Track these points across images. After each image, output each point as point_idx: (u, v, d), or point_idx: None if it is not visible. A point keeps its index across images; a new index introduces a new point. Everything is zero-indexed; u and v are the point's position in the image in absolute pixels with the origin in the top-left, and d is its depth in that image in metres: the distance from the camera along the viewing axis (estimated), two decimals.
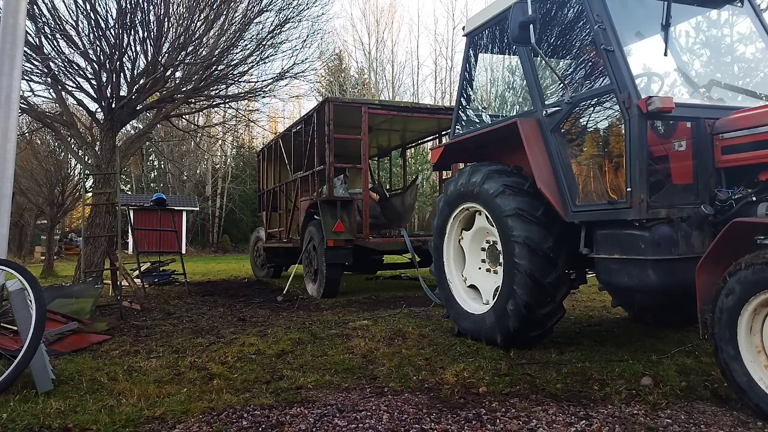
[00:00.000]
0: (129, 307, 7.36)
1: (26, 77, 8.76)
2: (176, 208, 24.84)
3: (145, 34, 8.93)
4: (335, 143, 8.48)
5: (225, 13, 9.73)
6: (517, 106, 5.67)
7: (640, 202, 3.53)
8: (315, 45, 21.90)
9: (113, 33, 8.61)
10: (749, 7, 4.38)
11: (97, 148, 9.79)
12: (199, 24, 9.39)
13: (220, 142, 32.94)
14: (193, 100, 11.26)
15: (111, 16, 8.76)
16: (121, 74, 9.07)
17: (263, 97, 11.75)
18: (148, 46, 9.02)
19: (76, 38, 8.70)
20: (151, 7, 8.84)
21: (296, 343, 5.02)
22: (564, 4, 4.41)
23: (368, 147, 8.93)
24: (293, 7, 10.51)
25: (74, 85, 9.28)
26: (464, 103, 5.53)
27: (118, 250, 8.30)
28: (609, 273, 3.91)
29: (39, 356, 3.58)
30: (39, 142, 19.88)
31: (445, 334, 5.25)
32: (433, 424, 2.94)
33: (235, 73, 10.69)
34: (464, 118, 5.50)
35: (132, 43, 8.91)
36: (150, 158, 36.83)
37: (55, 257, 19.64)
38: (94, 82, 9.06)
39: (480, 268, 5.03)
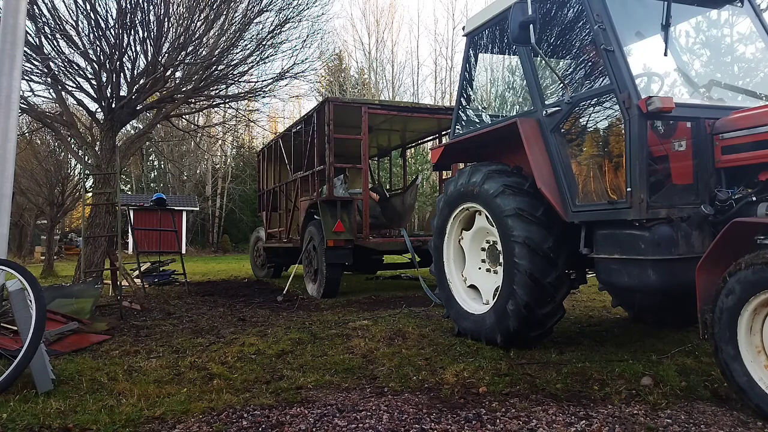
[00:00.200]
0: (129, 307, 7.36)
1: (26, 77, 8.77)
2: (176, 208, 24.84)
3: (145, 34, 8.93)
4: (335, 143, 8.48)
5: (225, 13, 9.73)
6: (517, 106, 5.67)
7: (640, 202, 3.53)
8: (315, 45, 21.92)
9: (113, 33, 8.61)
10: (749, 7, 4.38)
11: (97, 148, 9.79)
12: (199, 24, 9.39)
13: (220, 142, 32.95)
14: (193, 100, 11.27)
15: (111, 16, 8.77)
16: (121, 74, 9.07)
17: (263, 97, 11.77)
18: (148, 46, 9.02)
19: (76, 38, 8.71)
20: (151, 7, 8.84)
21: (296, 343, 5.02)
22: (564, 4, 4.41)
23: (368, 147, 8.93)
24: (293, 7, 10.53)
25: (74, 85, 9.29)
26: (464, 103, 5.53)
27: (118, 250, 8.30)
28: (609, 273, 3.91)
29: (39, 356, 3.58)
30: (39, 142, 19.89)
31: (445, 334, 5.25)
32: (433, 424, 2.94)
33: (235, 73, 10.69)
34: (464, 118, 5.50)
35: (132, 43, 8.92)
36: (150, 158, 36.83)
37: (55, 257, 19.64)
38: (94, 82, 9.06)
39: (480, 268, 5.03)
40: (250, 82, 11.56)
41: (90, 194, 11.06)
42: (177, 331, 5.85)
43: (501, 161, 4.85)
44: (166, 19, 8.94)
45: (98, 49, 8.72)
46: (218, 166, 36.75)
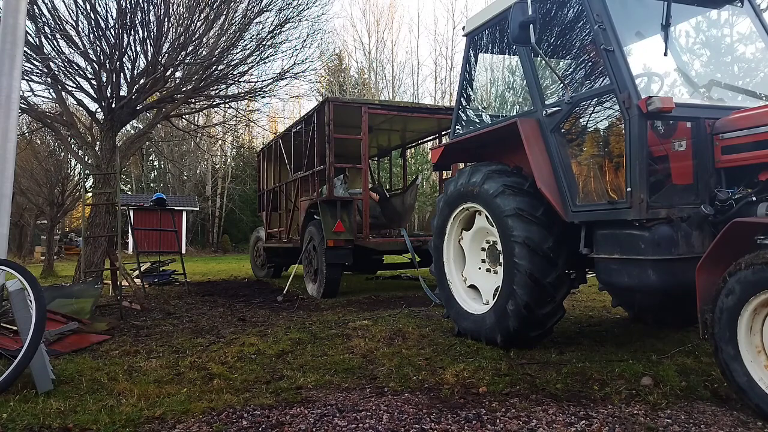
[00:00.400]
0: (129, 307, 7.36)
1: (26, 77, 8.77)
2: (176, 208, 24.83)
3: (145, 34, 8.93)
4: (335, 143, 8.48)
5: (225, 13, 9.73)
6: (517, 106, 5.67)
7: (640, 202, 3.53)
8: (315, 45, 21.92)
9: (113, 33, 8.61)
10: (749, 7, 4.38)
11: (97, 148, 9.79)
12: (199, 24, 9.39)
13: (220, 142, 32.95)
14: (193, 100, 11.27)
15: (111, 16, 8.77)
16: (121, 74, 9.07)
17: (263, 97, 11.77)
18: (148, 46, 9.02)
19: (76, 38, 8.71)
20: (151, 7, 8.84)
21: (296, 343, 5.02)
22: (564, 4, 4.41)
23: (368, 147, 8.93)
24: (293, 7, 10.53)
25: (74, 85, 9.29)
26: (464, 103, 5.53)
27: (118, 250, 8.30)
28: (609, 273, 3.91)
29: (39, 356, 3.58)
30: (39, 142, 19.89)
31: (445, 334, 5.25)
32: (433, 424, 2.94)
33: (235, 73, 10.69)
34: (464, 118, 5.50)
35: (132, 43, 8.91)
36: (150, 158, 36.83)
37: (55, 257, 19.64)
38: (94, 82, 9.06)
39: (480, 268, 5.03)
40: (250, 82, 11.58)
41: (90, 194, 11.06)
42: (177, 331, 5.85)
43: (501, 161, 4.85)
44: (166, 19, 8.94)
45: (98, 49, 8.72)
46: (218, 166, 36.75)
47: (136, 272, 10.45)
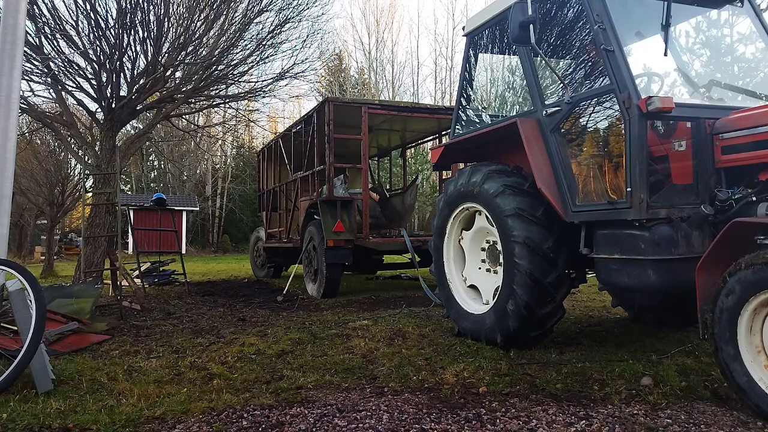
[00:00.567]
0: (129, 307, 7.36)
1: (26, 77, 8.77)
2: (176, 208, 24.83)
3: (145, 34, 8.93)
4: (335, 143, 8.48)
5: (225, 13, 9.73)
6: (517, 106, 5.67)
7: (640, 202, 3.53)
8: (315, 45, 21.93)
9: (113, 33, 8.61)
10: (749, 7, 4.38)
11: (97, 148, 9.79)
12: (199, 24, 9.39)
13: (220, 142, 32.96)
14: (193, 100, 11.27)
15: (111, 16, 8.78)
16: (121, 74, 9.07)
17: (263, 97, 11.77)
18: (148, 46, 9.02)
19: (76, 38, 8.71)
20: (151, 7, 8.84)
21: (296, 343, 5.02)
22: (564, 4, 4.41)
23: (368, 147, 8.93)
24: (293, 7, 10.53)
25: (74, 85, 9.29)
26: (464, 103, 5.53)
27: (118, 250, 8.30)
28: (609, 273, 3.91)
29: (39, 356, 3.58)
30: (39, 142, 19.89)
31: (445, 334, 5.25)
32: (433, 424, 2.94)
33: (235, 73, 10.69)
34: (464, 118, 5.50)
35: (132, 43, 8.92)
36: (150, 158, 36.83)
37: (55, 257, 19.64)
38: (94, 82, 9.06)
39: (480, 268, 5.03)
40: (250, 82, 11.58)
41: (90, 194, 11.06)
42: (177, 331, 5.85)
43: (501, 161, 4.85)
44: (166, 19, 8.94)
45: (98, 49, 8.72)
46: (218, 166, 36.75)
47: (136, 272, 10.45)
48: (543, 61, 4.25)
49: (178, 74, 10.22)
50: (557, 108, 4.21)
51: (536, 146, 4.31)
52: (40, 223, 23.98)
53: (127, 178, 34.60)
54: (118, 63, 8.73)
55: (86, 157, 9.65)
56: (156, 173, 38.70)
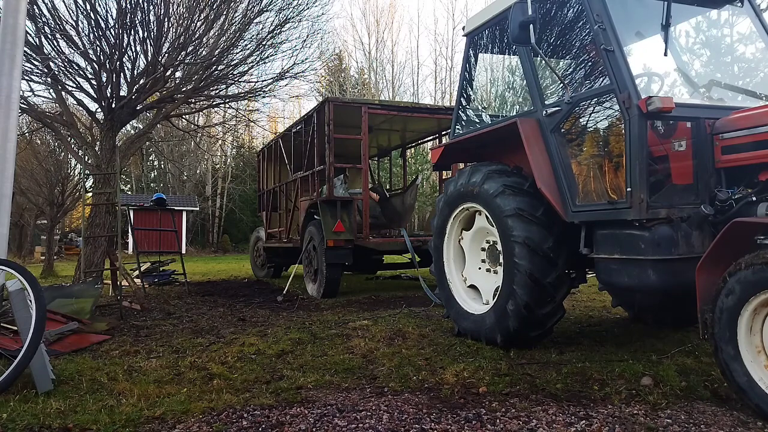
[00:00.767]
0: (129, 307, 7.36)
1: (26, 77, 8.77)
2: (176, 208, 24.83)
3: (145, 34, 8.93)
4: (335, 143, 8.48)
5: (225, 13, 9.73)
6: (517, 106, 5.67)
7: (640, 202, 3.53)
8: (315, 45, 21.89)
9: (113, 33, 8.61)
10: (749, 7, 4.38)
11: (97, 148, 9.79)
12: (199, 24, 9.39)
13: (220, 142, 32.95)
14: (193, 100, 11.27)
15: (111, 16, 8.78)
16: (121, 74, 9.07)
17: (263, 97, 11.77)
18: (148, 46, 9.03)
19: (76, 38, 8.71)
20: (151, 7, 8.84)
21: (296, 343, 5.02)
22: (564, 4, 4.40)
23: (368, 147, 8.93)
24: (293, 7, 10.53)
25: (74, 85, 9.29)
26: (464, 103, 5.53)
27: (118, 250, 8.30)
28: (609, 273, 3.90)
29: (39, 356, 3.58)
30: (39, 142, 19.88)
31: (445, 334, 5.25)
32: (433, 424, 2.94)
33: (235, 73, 10.69)
34: (464, 118, 5.50)
35: (132, 43, 8.92)
36: (150, 158, 36.83)
37: (55, 257, 19.64)
38: (94, 82, 9.06)
39: (480, 268, 5.02)
40: (250, 82, 11.58)
41: (90, 194, 11.06)
42: (177, 331, 5.85)
43: (501, 161, 4.85)
44: (166, 19, 8.94)
45: (98, 49, 8.72)
46: (218, 166, 36.75)
47: (136, 272, 10.45)
48: (543, 61, 4.25)
49: (178, 74, 10.22)
50: (557, 108, 4.21)
51: (536, 146, 4.31)
52: (40, 223, 23.98)
53: (127, 178, 34.60)
54: (118, 63, 8.73)
55: (86, 157, 9.65)
56: (156, 173, 38.70)
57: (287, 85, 23.94)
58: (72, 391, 3.59)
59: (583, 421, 2.93)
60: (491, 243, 4.88)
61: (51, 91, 9.64)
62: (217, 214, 35.12)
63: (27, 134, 16.52)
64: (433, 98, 35.90)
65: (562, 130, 4.28)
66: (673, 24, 4.05)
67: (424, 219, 24.33)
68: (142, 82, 9.28)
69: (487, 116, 5.63)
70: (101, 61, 8.75)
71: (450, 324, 5.48)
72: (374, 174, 13.44)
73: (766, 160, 3.39)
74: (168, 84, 9.93)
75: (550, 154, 4.28)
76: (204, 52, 9.83)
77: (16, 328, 4.18)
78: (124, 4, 8.41)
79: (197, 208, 31.40)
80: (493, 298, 4.67)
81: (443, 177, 11.44)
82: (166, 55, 9.17)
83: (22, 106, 8.88)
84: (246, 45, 10.37)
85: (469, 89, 5.51)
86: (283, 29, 10.62)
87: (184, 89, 10.22)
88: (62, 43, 8.83)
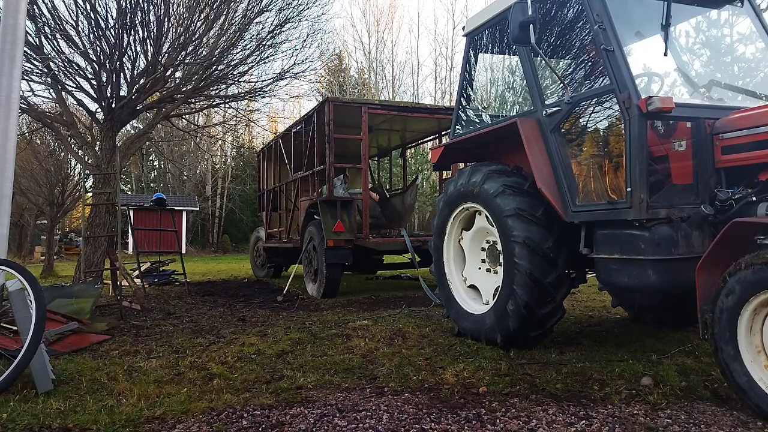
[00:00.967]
0: (129, 307, 7.36)
1: (26, 77, 8.77)
2: (176, 208, 24.83)
3: (145, 34, 8.93)
4: (335, 143, 8.48)
5: (225, 13, 9.73)
6: (517, 106, 5.67)
7: (640, 202, 3.53)
8: (315, 45, 21.89)
9: (113, 33, 8.61)
10: (749, 7, 4.38)
11: (97, 148, 9.79)
12: (199, 24, 9.39)
13: (220, 142, 32.95)
14: (193, 100, 11.27)
15: (111, 16, 8.78)
16: (121, 74, 9.07)
17: (263, 97, 11.77)
18: (148, 46, 9.02)
19: (76, 38, 8.71)
20: (151, 7, 8.84)
21: (296, 343, 5.02)
22: (564, 4, 4.41)
23: (368, 147, 8.93)
24: (293, 7, 10.53)
25: (74, 85, 9.29)
26: (464, 103, 5.53)
27: (118, 250, 8.30)
28: (609, 273, 3.90)
29: (39, 356, 3.58)
30: (39, 142, 19.88)
31: (445, 334, 5.25)
32: (433, 424, 2.94)
33: (235, 73, 10.69)
34: (464, 118, 5.50)
35: (132, 43, 8.92)
36: (150, 158, 36.83)
37: (55, 257, 19.64)
38: (94, 82, 9.06)
39: (480, 268, 5.02)
40: (250, 82, 11.58)
41: (90, 194, 11.06)
42: (177, 331, 5.85)
43: (501, 161, 4.85)
44: (166, 19, 8.94)
45: (98, 49, 8.72)
46: (218, 166, 36.75)
47: (136, 272, 10.45)
48: (543, 61, 4.25)
49: (178, 74, 10.22)
50: (557, 108, 4.21)
51: (536, 146, 4.31)
52: (40, 223, 23.98)
53: (127, 178, 34.60)
54: (118, 63, 8.73)
55: (86, 157, 9.65)
56: (156, 173, 38.70)
57: (287, 85, 23.97)
58: (72, 391, 3.59)
59: (583, 421, 2.93)
60: (491, 243, 4.88)
61: (51, 91, 9.64)
62: (217, 214, 35.12)
63: (27, 134, 16.52)
64: (433, 98, 35.94)
65: (562, 130, 4.28)
66: (673, 24, 4.05)
67: (424, 219, 24.33)
68: (142, 82, 9.28)
69: (487, 116, 5.63)
70: (101, 61, 8.75)
71: (450, 324, 5.48)
72: (374, 174, 13.44)
73: (766, 160, 3.39)
74: (168, 84, 9.93)
75: (550, 154, 4.28)
76: (204, 52, 9.83)
77: (16, 328, 4.18)
78: (124, 4, 8.41)
79: (197, 208, 31.40)
80: (493, 298, 4.67)
81: (443, 177, 11.44)
82: (166, 55, 9.17)
83: (22, 106, 8.88)
84: (246, 45, 10.39)
85: (469, 89, 5.51)
86: (283, 29, 10.63)
87: (184, 89, 10.22)
88: (62, 43, 8.85)
